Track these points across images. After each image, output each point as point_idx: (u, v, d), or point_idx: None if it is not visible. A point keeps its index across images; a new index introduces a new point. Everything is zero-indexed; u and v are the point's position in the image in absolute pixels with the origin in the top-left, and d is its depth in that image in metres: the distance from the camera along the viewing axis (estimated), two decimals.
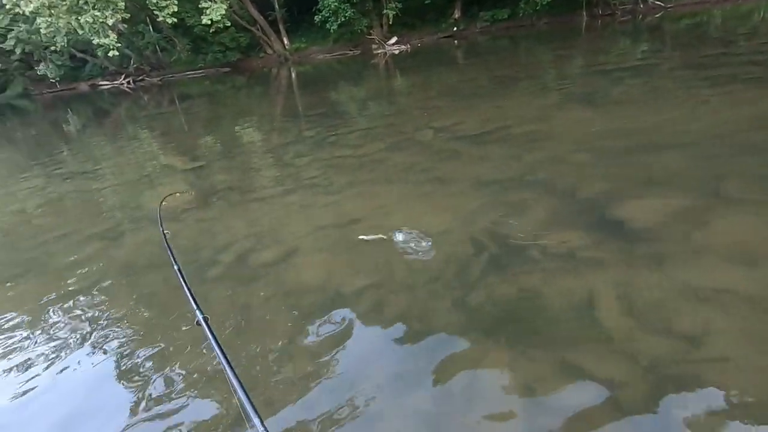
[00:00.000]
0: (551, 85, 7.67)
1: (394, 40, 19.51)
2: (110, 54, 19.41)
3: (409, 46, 18.98)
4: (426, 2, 19.17)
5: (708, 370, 1.86)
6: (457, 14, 19.89)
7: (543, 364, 2.02)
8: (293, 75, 18.00)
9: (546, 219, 3.18)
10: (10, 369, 2.53)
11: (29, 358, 2.59)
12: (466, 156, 4.63)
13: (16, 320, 2.99)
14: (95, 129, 12.24)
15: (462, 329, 2.29)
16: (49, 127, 14.43)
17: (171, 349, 2.48)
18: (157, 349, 2.49)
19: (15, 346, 2.72)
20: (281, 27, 22.37)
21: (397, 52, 18.47)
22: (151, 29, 23.06)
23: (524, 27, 18.15)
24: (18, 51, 24.24)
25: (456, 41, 18.62)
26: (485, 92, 7.83)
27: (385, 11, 19.34)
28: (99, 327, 2.78)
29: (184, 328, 2.61)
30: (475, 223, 3.27)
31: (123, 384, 2.29)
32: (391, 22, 19.60)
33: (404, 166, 4.57)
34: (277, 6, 21.76)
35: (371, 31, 20.18)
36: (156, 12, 18.47)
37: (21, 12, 18.38)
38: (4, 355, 2.65)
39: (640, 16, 15.74)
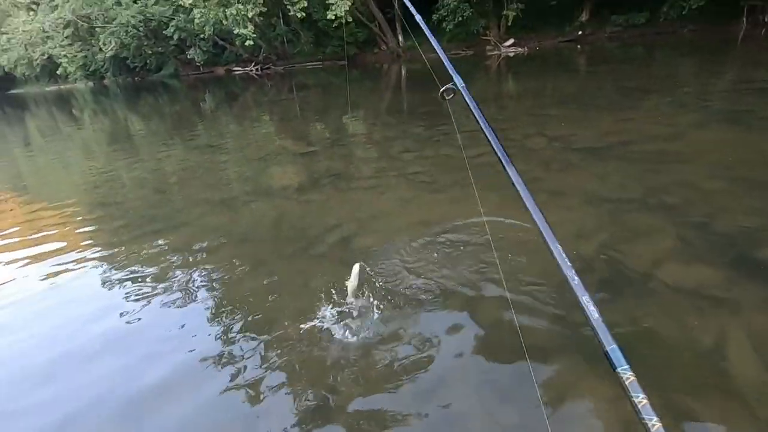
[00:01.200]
0: (689, 101, 6.80)
1: (510, 42, 18.84)
2: (246, 43, 21.69)
3: (526, 49, 18.18)
4: (552, 3, 18.16)
5: None
6: (585, 16, 18.54)
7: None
8: (404, 72, 18.35)
9: (670, 249, 2.86)
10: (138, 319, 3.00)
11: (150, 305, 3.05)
12: (581, 169, 4.34)
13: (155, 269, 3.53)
14: (226, 109, 13.79)
15: (566, 355, 2.17)
16: (189, 104, 16.62)
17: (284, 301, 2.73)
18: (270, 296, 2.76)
19: (143, 292, 3.22)
20: (398, 25, 22.93)
21: (512, 54, 17.81)
22: (282, 22, 25.20)
23: (664, 34, 16.28)
24: (175, 37, 28.25)
25: (579, 46, 17.37)
26: (609, 103, 7.21)
27: (505, 12, 18.75)
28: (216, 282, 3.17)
29: (297, 285, 2.86)
30: (587, 242, 3.06)
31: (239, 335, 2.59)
32: (510, 23, 18.95)
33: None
34: (396, 4, 22.33)
35: (487, 32, 19.72)
36: (288, 6, 20.12)
37: (182, 4, 21.37)
38: (130, 301, 3.14)
39: None
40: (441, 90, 1.45)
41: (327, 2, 19.59)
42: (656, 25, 16.51)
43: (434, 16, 19.39)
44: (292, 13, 20.30)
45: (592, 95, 8.21)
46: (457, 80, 1.49)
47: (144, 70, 34.20)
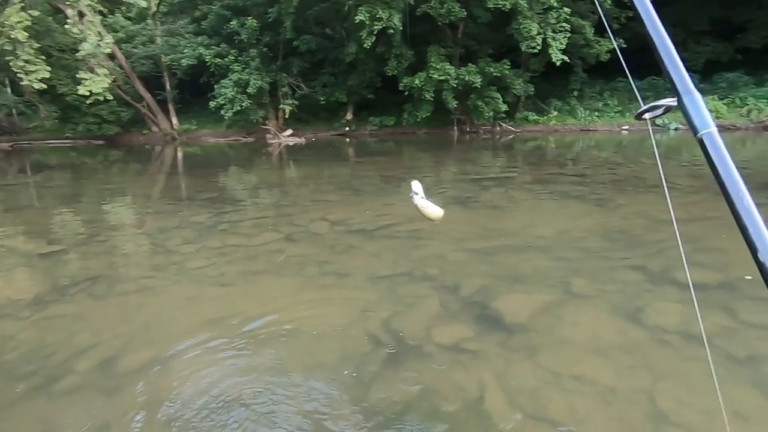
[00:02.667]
0: (431, 187, 8.67)
1: (289, 132, 20.37)
2: None
3: (303, 139, 19.94)
4: (321, 102, 20.78)
5: None
6: (349, 116, 21.84)
7: None
8: (179, 155, 17.30)
9: (436, 314, 3.41)
10: None
11: None
12: (360, 250, 4.84)
13: None
14: None
15: (361, 429, 2.23)
16: None
17: None
18: None
19: None
20: (171, 107, 21.90)
21: (291, 143, 19.20)
22: (9, 90, 20.59)
23: (407, 134, 20.62)
24: None
25: (348, 139, 20.19)
26: (375, 189, 8.48)
27: (281, 106, 20.36)
28: None
29: None
30: (371, 318, 3.36)
31: None
32: (287, 116, 20.60)
33: (300, 258, 4.57)
34: (168, 87, 21.49)
35: (267, 122, 20.86)
36: (21, 75, 16.69)
37: None
38: None
39: (498, 136, 19.16)
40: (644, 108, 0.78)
41: (78, 76, 17.19)
42: (401, 127, 20.85)
43: (212, 104, 19.40)
44: (26, 82, 16.86)
45: (362, 182, 9.51)
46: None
47: None
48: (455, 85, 17.55)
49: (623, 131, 18.35)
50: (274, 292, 3.84)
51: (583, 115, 19.45)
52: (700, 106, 0.68)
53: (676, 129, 17.55)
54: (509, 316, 3.35)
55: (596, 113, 19.53)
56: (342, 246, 4.96)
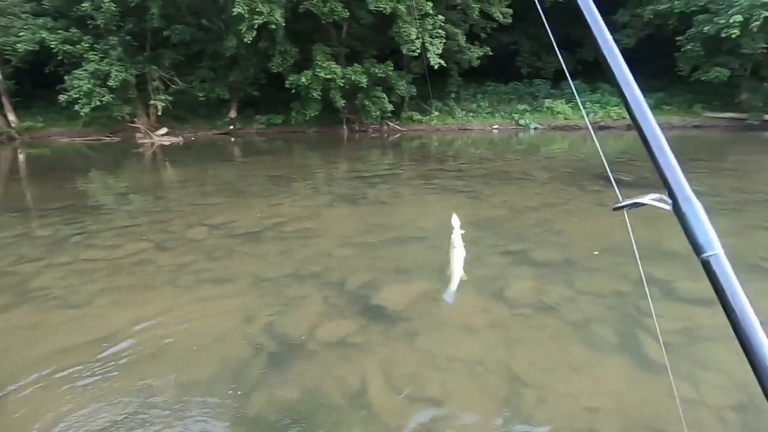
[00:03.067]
0: (321, 186, 8.65)
1: (164, 131, 18.47)
2: None
3: (181, 138, 18.27)
4: (200, 99, 19.25)
5: (450, 428, 2.28)
6: (233, 114, 20.60)
7: None
8: (21, 158, 14.59)
9: (321, 311, 3.42)
10: None
11: None
12: (242, 254, 4.62)
13: None
14: None
15: None
16: None
17: None
18: None
19: None
20: (5, 101, 18.28)
21: (167, 143, 17.47)
22: None
23: (297, 133, 20.21)
24: None
25: (233, 138, 19.05)
26: (262, 190, 8.15)
27: (153, 101, 18.37)
28: None
29: None
30: (253, 323, 3.23)
31: None
32: (160, 113, 18.65)
33: (173, 267, 4.19)
34: (0, 76, 17.91)
35: (135, 120, 18.64)
36: None
37: None
38: None
39: (386, 135, 19.83)
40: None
41: None
42: (290, 126, 20.35)
43: (62, 97, 16.65)
44: None
45: (247, 183, 9.07)
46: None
47: None
48: (342, 85, 17.69)
49: (494, 130, 20.41)
50: (140, 308, 3.46)
51: (460, 116, 21.14)
52: (702, 219, 0.59)
53: (535, 128, 20.12)
54: (391, 306, 3.50)
55: (471, 114, 21.38)
56: (222, 251, 4.67)
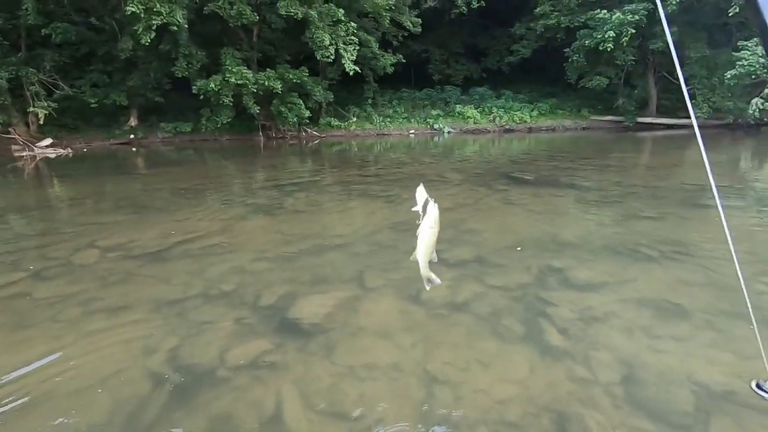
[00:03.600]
0: (234, 198, 8.21)
1: (48, 141, 16.32)
2: None
3: (70, 150, 16.26)
4: (92, 105, 17.34)
5: None
6: (133, 122, 18.85)
7: None
8: None
9: (232, 333, 3.21)
10: None
11: None
12: (142, 277, 4.19)
13: None
14: None
15: None
16: None
17: None
18: None
19: None
20: None
21: (53, 156, 15.44)
22: None
23: (208, 141, 19.06)
24: None
25: (135, 149, 17.42)
26: (167, 204, 7.52)
27: (32, 109, 16.15)
28: None
29: None
30: (154, 354, 2.93)
31: None
32: (41, 122, 16.45)
33: (54, 299, 3.66)
34: None
35: (11, 129, 16.25)
36: None
37: None
38: None
39: (305, 141, 19.49)
40: None
41: None
42: (201, 134, 19.12)
43: None
44: None
45: (150, 197, 8.31)
46: None
47: None
48: (255, 90, 17.05)
49: (411, 135, 21.06)
50: (14, 352, 2.97)
51: (378, 121, 21.49)
52: None
53: (449, 132, 21.15)
54: (308, 319, 3.40)
55: (388, 119, 21.85)
56: (117, 276, 4.20)
